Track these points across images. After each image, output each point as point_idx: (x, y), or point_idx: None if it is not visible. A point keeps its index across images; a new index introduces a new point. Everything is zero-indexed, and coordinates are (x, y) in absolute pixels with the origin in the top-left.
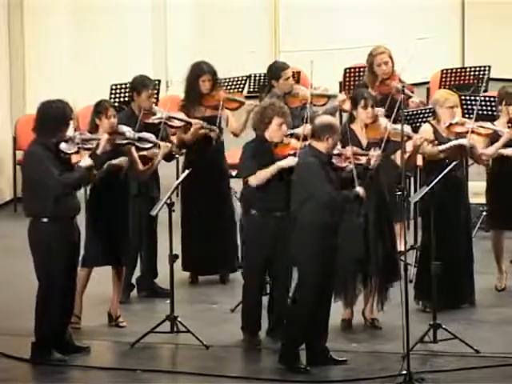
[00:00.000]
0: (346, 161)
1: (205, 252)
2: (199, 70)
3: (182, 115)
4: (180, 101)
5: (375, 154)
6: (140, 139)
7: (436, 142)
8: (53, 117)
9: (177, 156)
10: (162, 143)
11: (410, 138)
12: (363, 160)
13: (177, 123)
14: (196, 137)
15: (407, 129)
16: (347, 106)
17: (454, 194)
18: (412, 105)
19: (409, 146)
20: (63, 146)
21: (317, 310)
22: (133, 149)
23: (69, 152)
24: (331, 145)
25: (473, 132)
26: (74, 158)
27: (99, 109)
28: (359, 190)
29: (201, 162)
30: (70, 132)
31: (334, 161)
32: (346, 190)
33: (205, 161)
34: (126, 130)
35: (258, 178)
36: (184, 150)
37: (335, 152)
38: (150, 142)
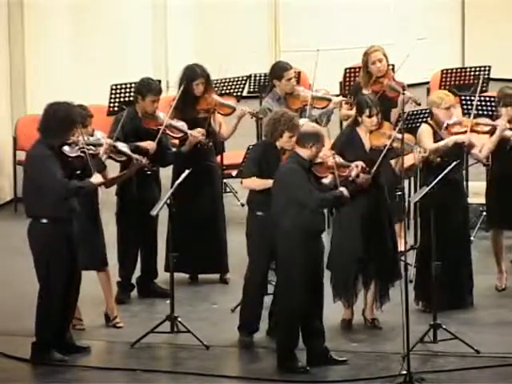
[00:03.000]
0: (327, 171)
1: (192, 252)
2: (193, 74)
3: (182, 124)
4: (171, 102)
5: (358, 164)
6: (115, 149)
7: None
8: (58, 119)
9: (149, 172)
10: (135, 156)
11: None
12: (345, 172)
13: (176, 133)
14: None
15: (410, 139)
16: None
17: (452, 194)
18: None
19: (410, 160)
20: (66, 148)
21: (308, 311)
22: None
23: (71, 155)
24: (314, 153)
25: (472, 131)
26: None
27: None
28: (343, 189)
29: (190, 165)
30: (100, 136)
31: (313, 169)
32: (328, 193)
33: (193, 163)
34: (101, 137)
35: (252, 183)
36: (155, 168)
37: (318, 161)
38: (125, 155)
